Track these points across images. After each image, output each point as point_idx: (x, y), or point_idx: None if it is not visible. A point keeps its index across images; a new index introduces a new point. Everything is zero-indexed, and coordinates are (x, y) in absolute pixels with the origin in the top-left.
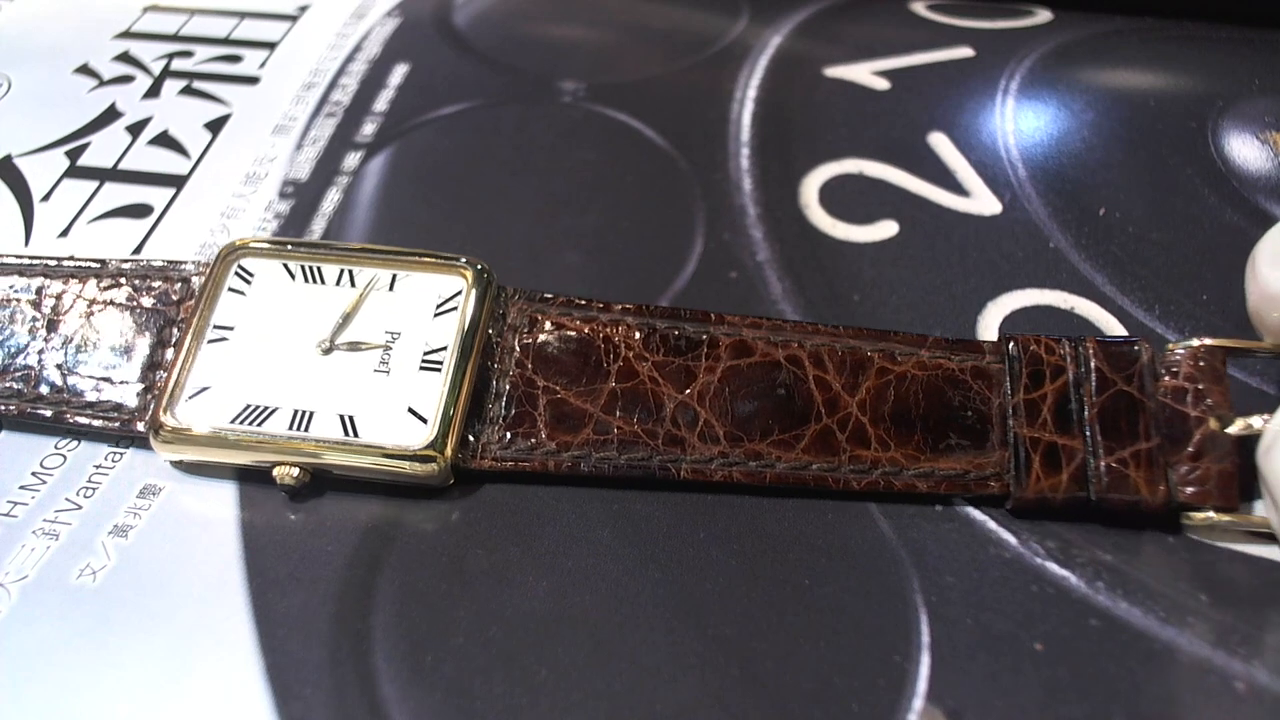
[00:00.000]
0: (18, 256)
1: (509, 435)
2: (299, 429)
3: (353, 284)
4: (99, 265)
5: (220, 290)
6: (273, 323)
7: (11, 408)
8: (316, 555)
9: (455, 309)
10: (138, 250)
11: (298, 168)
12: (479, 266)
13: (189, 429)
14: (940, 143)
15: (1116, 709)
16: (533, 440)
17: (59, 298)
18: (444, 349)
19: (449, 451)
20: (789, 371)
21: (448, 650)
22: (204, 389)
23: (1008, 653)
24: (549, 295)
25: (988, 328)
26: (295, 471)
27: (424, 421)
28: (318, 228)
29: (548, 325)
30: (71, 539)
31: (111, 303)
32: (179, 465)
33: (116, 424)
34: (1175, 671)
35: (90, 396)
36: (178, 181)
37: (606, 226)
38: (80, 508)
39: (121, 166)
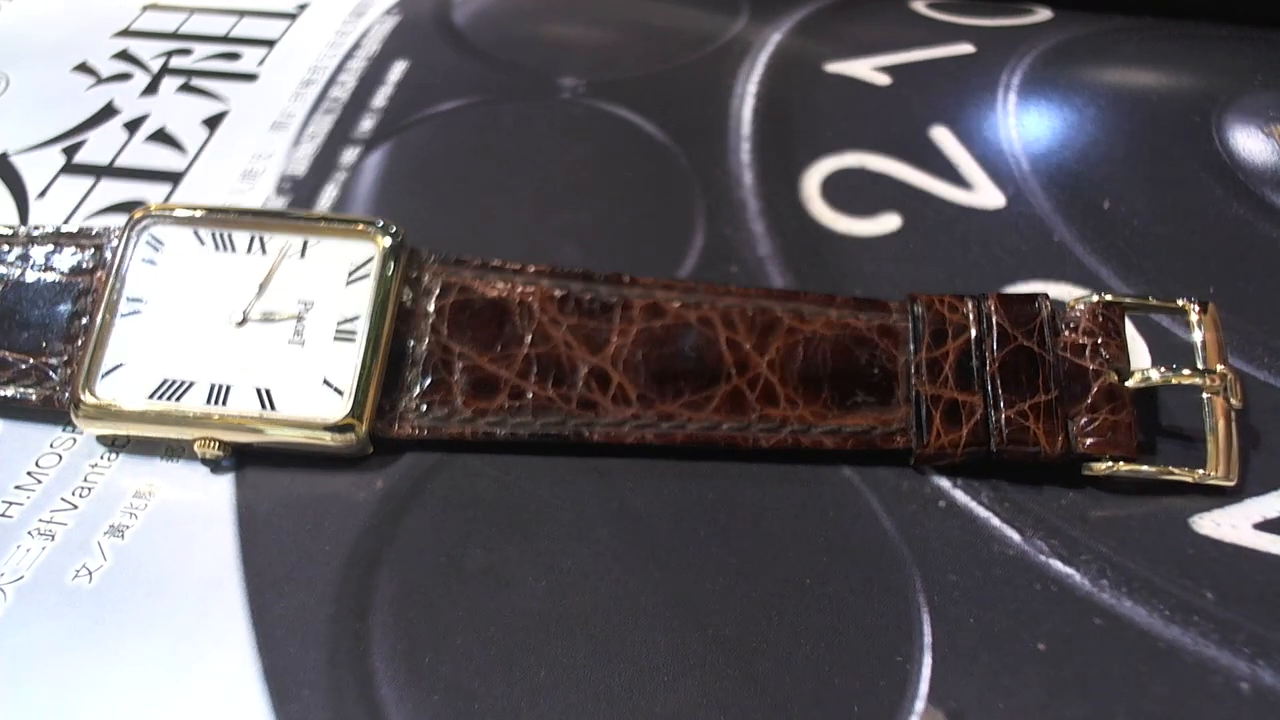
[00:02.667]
0: None
1: (425, 404)
2: (217, 404)
3: (264, 251)
4: (9, 233)
5: (130, 261)
6: (185, 294)
7: None
8: (314, 555)
9: (367, 276)
10: None
11: (295, 164)
12: (393, 230)
13: (108, 405)
14: (943, 136)
15: (1120, 710)
16: (448, 408)
17: None
18: (357, 318)
19: (366, 422)
20: (700, 333)
21: (446, 651)
22: (120, 365)
23: (1010, 653)
24: (464, 258)
25: None
26: (215, 446)
27: (340, 393)
28: None
29: (463, 289)
30: (67, 539)
31: (25, 272)
32: (103, 440)
33: (39, 399)
34: (1179, 672)
35: (14, 370)
36: (174, 178)
37: (606, 222)
38: (76, 508)
39: (118, 163)
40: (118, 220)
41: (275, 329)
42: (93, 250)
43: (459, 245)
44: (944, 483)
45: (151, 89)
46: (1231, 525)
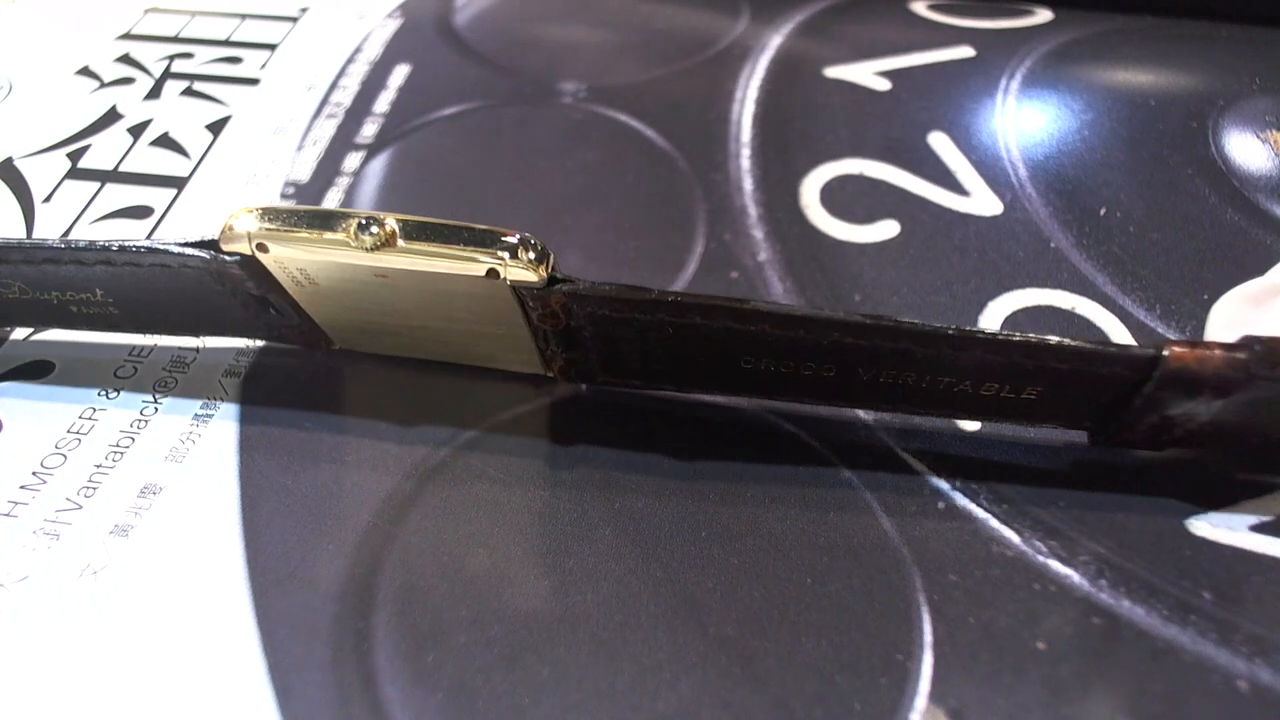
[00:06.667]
0: None
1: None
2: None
3: None
4: None
5: None
6: None
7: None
8: (318, 555)
9: None
10: None
11: (298, 169)
12: None
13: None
14: (941, 143)
15: (1119, 708)
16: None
17: None
18: None
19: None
20: None
21: (449, 650)
22: None
23: (1010, 652)
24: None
25: (989, 327)
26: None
27: None
28: None
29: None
30: (71, 538)
31: None
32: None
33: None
34: (1178, 670)
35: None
36: (179, 183)
37: (607, 227)
38: (80, 507)
39: (123, 168)
40: (130, 222)
41: None
42: None
43: None
44: (943, 484)
45: (154, 93)
46: (1229, 527)
